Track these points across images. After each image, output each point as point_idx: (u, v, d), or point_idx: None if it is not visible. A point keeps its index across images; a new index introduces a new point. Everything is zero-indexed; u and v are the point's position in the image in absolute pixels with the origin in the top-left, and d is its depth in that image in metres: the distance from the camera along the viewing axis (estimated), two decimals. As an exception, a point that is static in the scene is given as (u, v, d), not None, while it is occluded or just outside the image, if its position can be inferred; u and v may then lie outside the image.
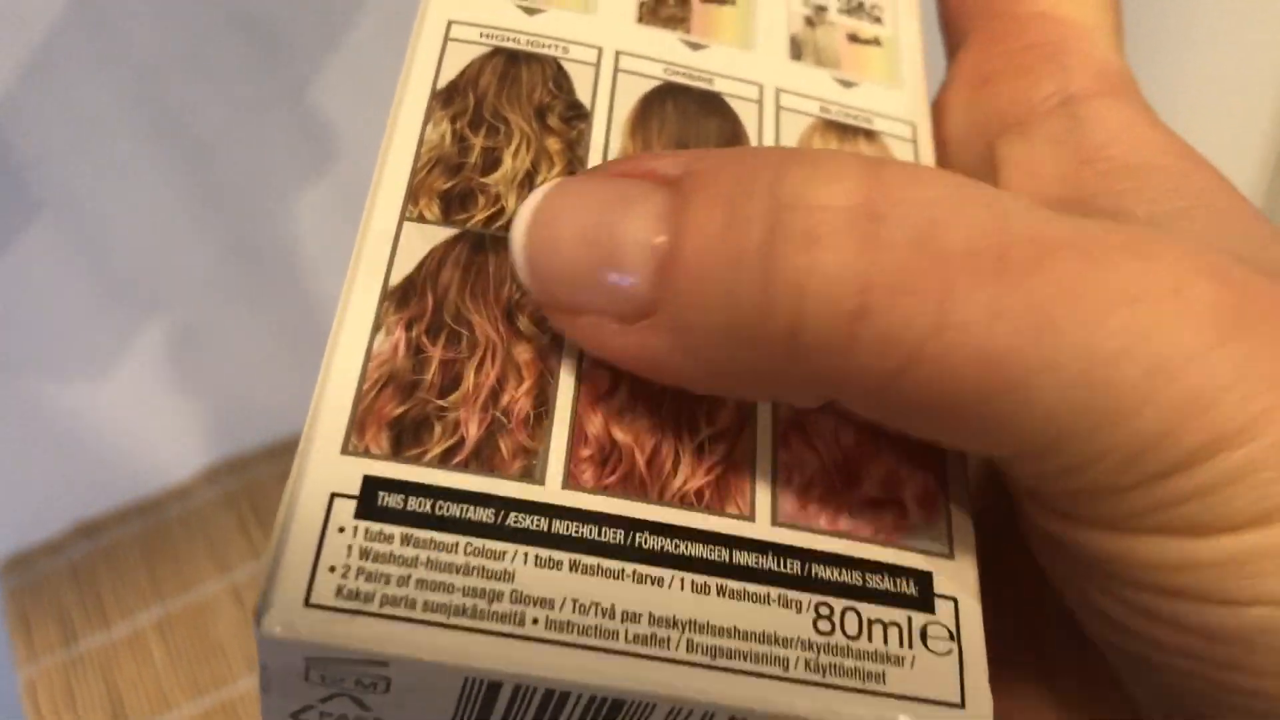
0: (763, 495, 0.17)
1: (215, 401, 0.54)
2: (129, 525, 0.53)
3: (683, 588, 0.16)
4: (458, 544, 0.16)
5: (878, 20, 0.23)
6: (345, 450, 0.16)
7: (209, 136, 0.42)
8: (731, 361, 0.16)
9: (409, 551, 0.16)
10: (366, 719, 0.17)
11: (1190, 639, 0.15)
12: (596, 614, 0.16)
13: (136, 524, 0.53)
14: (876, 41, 0.23)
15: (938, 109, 0.23)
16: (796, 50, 0.22)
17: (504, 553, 0.16)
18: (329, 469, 0.16)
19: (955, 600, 0.17)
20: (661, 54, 0.22)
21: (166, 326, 0.49)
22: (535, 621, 0.16)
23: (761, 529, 0.17)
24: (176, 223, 0.45)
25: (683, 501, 0.17)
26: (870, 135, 0.22)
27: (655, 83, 0.21)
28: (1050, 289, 0.15)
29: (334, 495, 0.16)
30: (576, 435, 0.17)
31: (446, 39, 0.21)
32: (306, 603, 0.15)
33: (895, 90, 0.23)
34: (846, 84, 0.22)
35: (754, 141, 0.21)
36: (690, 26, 0.22)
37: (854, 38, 0.23)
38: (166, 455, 0.54)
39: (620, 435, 0.17)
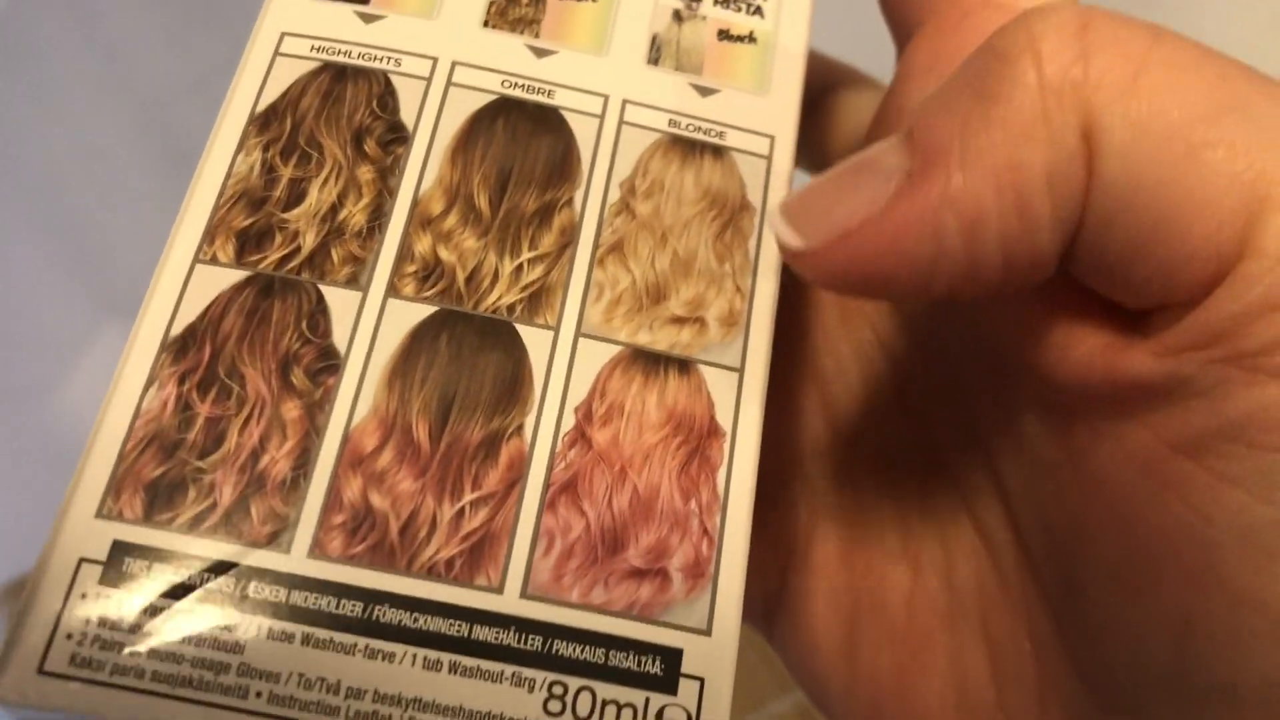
0: (517, 564, 0.17)
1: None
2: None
3: (414, 664, 0.16)
4: (194, 613, 0.16)
5: (757, 12, 0.22)
6: (100, 513, 0.17)
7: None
8: (993, 142, 0.16)
9: (146, 620, 0.16)
10: (140, 754, 0.18)
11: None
12: (321, 689, 0.16)
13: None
14: (750, 38, 0.22)
15: (893, 106, 0.21)
16: (655, 53, 0.21)
17: (238, 624, 0.16)
18: (81, 533, 0.17)
19: (702, 681, 0.17)
20: (502, 63, 0.21)
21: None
22: (259, 695, 0.16)
23: (508, 602, 0.17)
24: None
25: (431, 572, 0.17)
26: (718, 152, 0.20)
27: (489, 98, 0.20)
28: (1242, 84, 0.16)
29: (82, 561, 0.17)
30: (331, 501, 0.17)
31: (276, 54, 0.20)
32: (40, 670, 0.16)
33: (759, 97, 0.21)
34: (704, 91, 0.21)
35: (586, 164, 0.20)
36: (541, 29, 0.21)
37: (726, 34, 0.22)
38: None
39: (377, 501, 0.17)
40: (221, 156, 0.19)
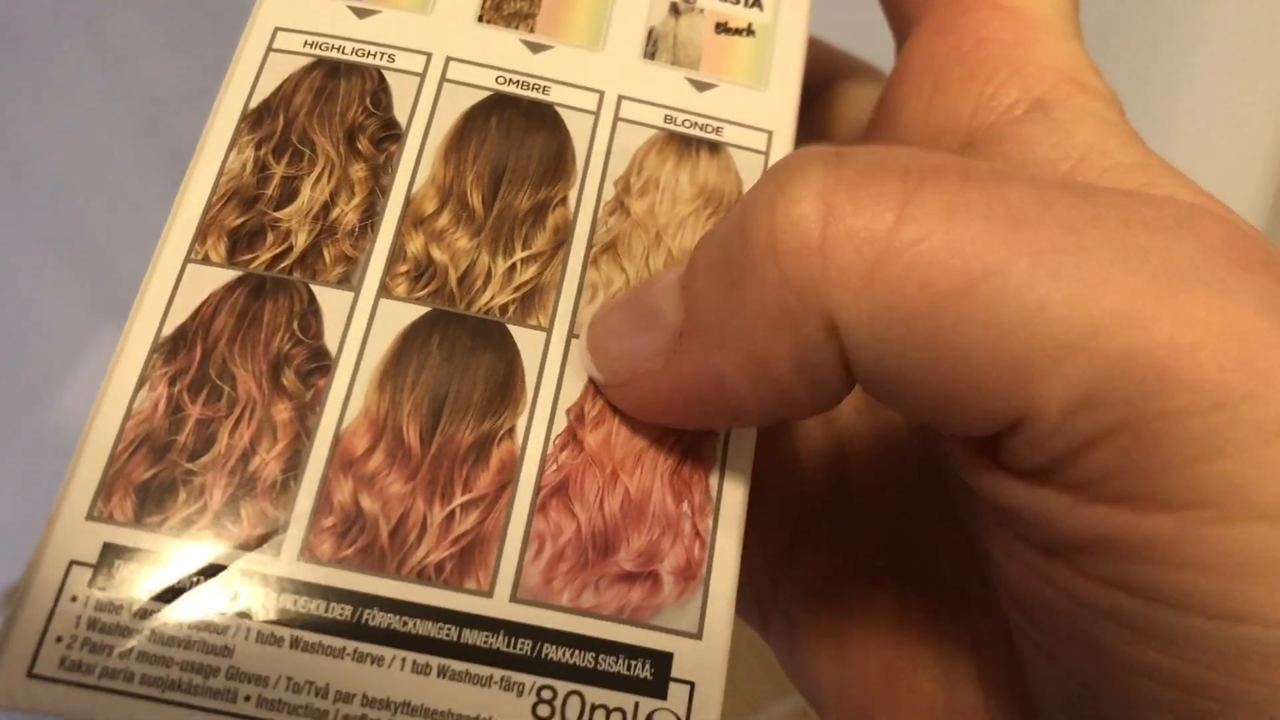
0: (507, 568, 0.17)
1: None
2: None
3: (403, 668, 0.16)
4: (183, 617, 0.16)
5: (755, 4, 0.22)
6: (90, 515, 0.17)
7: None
8: (744, 322, 0.16)
9: (136, 623, 0.16)
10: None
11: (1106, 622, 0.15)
12: (310, 693, 0.16)
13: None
14: (749, 31, 0.21)
15: (888, 107, 0.21)
16: (652, 47, 0.21)
17: (227, 628, 0.16)
18: (72, 535, 0.17)
19: (692, 685, 0.17)
20: (496, 59, 0.20)
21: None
22: (248, 699, 0.16)
23: (498, 606, 0.17)
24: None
25: (421, 575, 0.17)
26: (715, 148, 0.20)
27: (483, 94, 0.20)
28: (1018, 197, 0.15)
29: (72, 563, 0.17)
30: (321, 503, 0.17)
31: (269, 50, 0.20)
32: (29, 673, 0.16)
33: (757, 92, 0.21)
34: (701, 86, 0.21)
35: (581, 159, 0.20)
36: (536, 23, 0.21)
37: (723, 27, 0.21)
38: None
39: (368, 503, 0.17)
40: (214, 155, 0.19)
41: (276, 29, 0.20)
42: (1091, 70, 0.19)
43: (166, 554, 0.17)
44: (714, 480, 0.18)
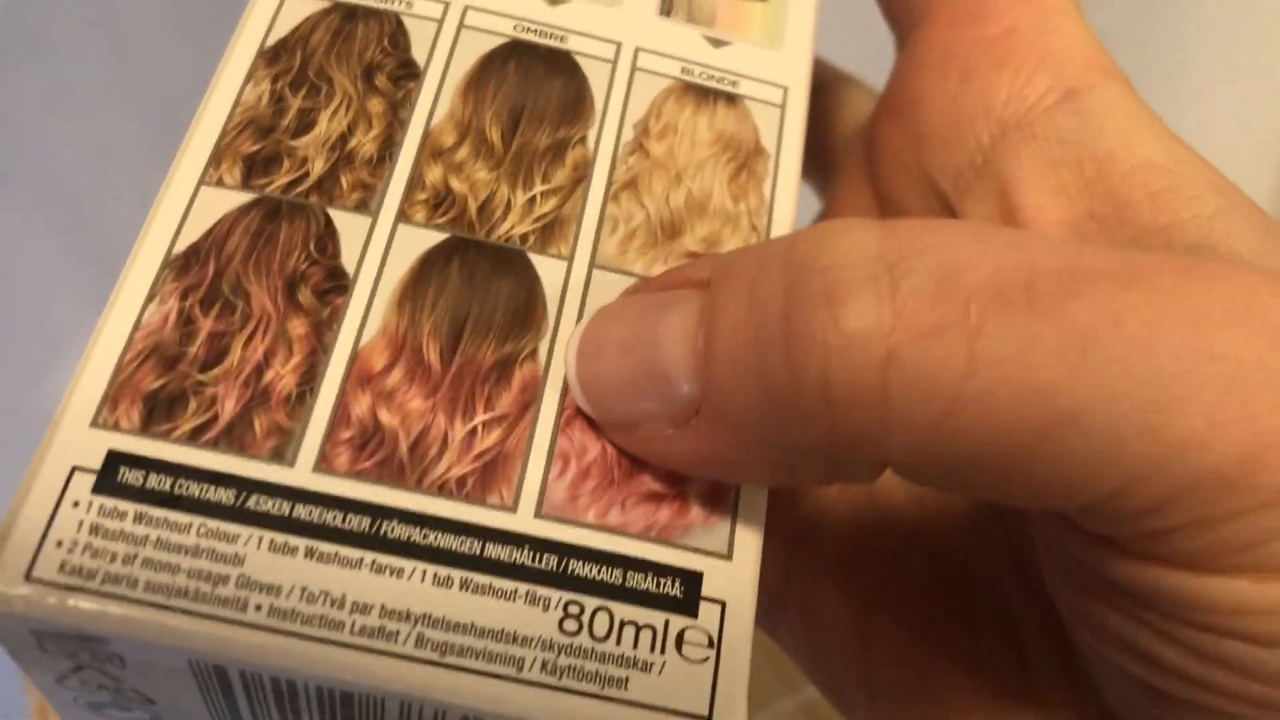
0: (531, 484, 0.17)
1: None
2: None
3: (423, 580, 0.16)
4: (191, 524, 0.16)
5: None
6: (95, 423, 0.16)
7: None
8: (780, 441, 0.15)
9: (140, 530, 0.15)
10: (125, 690, 0.17)
11: (1250, 684, 0.15)
12: (325, 603, 0.15)
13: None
14: None
15: (908, 97, 0.21)
16: (667, 5, 0.21)
17: (237, 535, 0.16)
18: (75, 442, 0.16)
19: (723, 604, 0.16)
20: (514, 9, 0.21)
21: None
22: (258, 608, 0.15)
23: (522, 521, 0.16)
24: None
25: (442, 490, 0.16)
26: (732, 99, 0.20)
27: (501, 40, 0.20)
28: (1087, 315, 0.13)
29: (75, 469, 0.16)
30: (339, 416, 0.17)
31: None
32: (28, 577, 0.15)
33: (771, 51, 0.21)
34: (717, 43, 0.21)
35: (599, 106, 0.20)
36: (553, -21, 0.21)
37: (737, -8, 0.22)
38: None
39: (386, 418, 0.17)
40: (229, 86, 0.19)
41: None
42: (1106, 54, 0.20)
43: (175, 462, 0.16)
44: None
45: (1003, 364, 0.13)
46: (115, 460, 0.16)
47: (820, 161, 0.26)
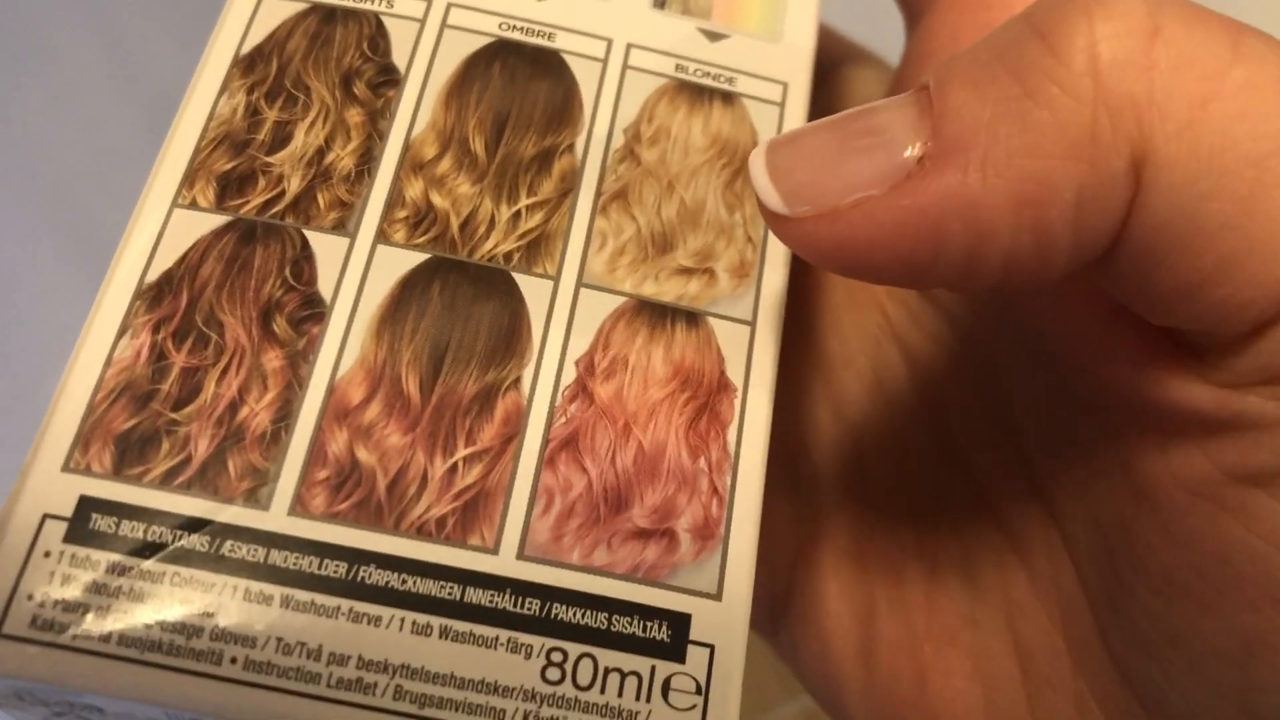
0: (514, 523, 0.16)
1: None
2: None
3: (402, 628, 0.15)
4: (165, 573, 0.15)
5: None
6: (67, 467, 0.16)
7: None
8: (1027, 148, 0.14)
9: (114, 580, 0.15)
10: (109, 729, 0.16)
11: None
12: (301, 655, 0.15)
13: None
14: None
15: (909, 83, 0.20)
16: None
17: (213, 585, 0.15)
18: (47, 487, 0.16)
19: (712, 648, 0.16)
20: (500, 5, 0.20)
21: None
22: (234, 661, 0.15)
23: (504, 563, 0.16)
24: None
25: (421, 531, 0.16)
26: (728, 98, 0.19)
27: (486, 40, 0.19)
28: None
29: (46, 517, 0.15)
30: (315, 455, 0.16)
31: None
32: None
33: (770, 44, 0.20)
34: (713, 36, 0.20)
35: (588, 109, 0.19)
36: (540, -29, 0.20)
37: (735, -22, 0.20)
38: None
39: (364, 455, 0.16)
40: (204, 99, 0.18)
41: None
42: None
43: (148, 507, 0.16)
44: (732, 436, 0.17)
45: (1266, 63, 0.13)
46: (87, 507, 0.15)
47: None
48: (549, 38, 0.19)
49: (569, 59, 0.19)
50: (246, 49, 0.19)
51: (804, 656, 0.21)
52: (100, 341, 0.16)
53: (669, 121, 0.19)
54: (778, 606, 0.22)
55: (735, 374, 0.17)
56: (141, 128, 0.42)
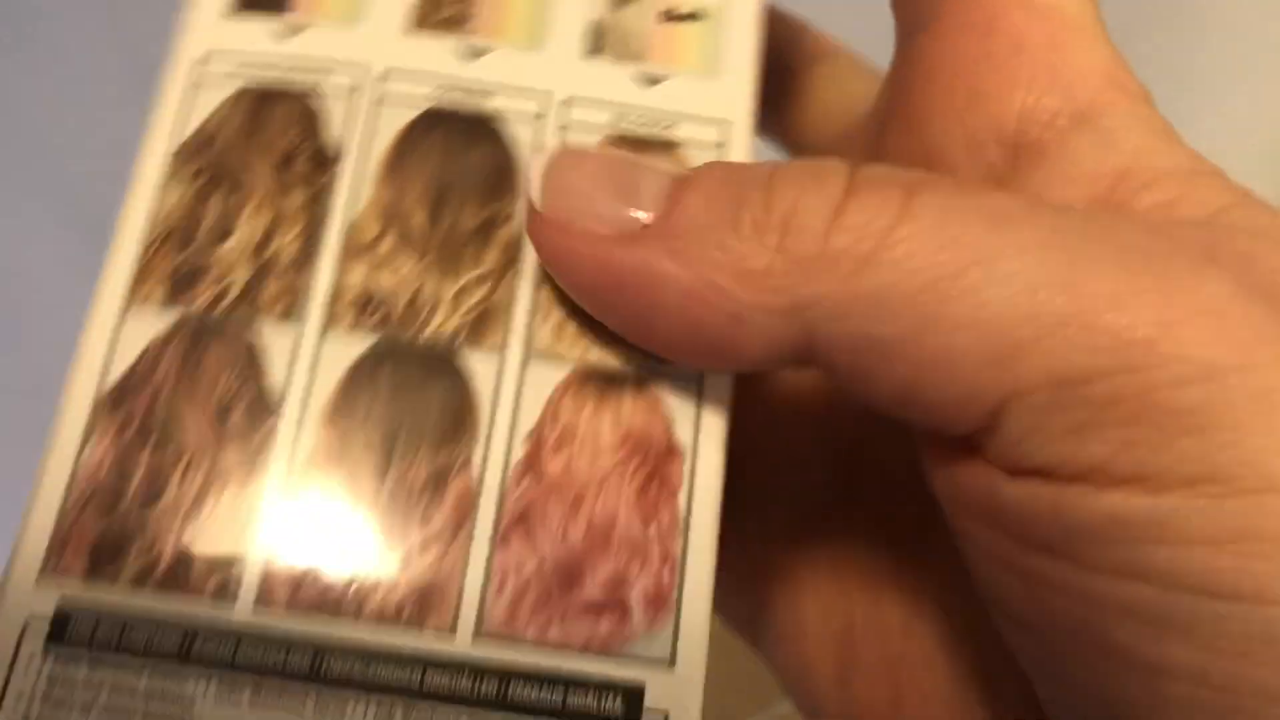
0: (469, 605, 0.17)
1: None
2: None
3: (365, 715, 0.16)
4: (142, 672, 0.16)
5: None
6: (44, 572, 0.17)
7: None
8: (719, 261, 0.16)
9: (96, 676, 0.16)
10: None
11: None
12: (273, 747, 0.16)
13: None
14: (697, 15, 0.20)
15: (913, 109, 0.20)
16: (596, 42, 0.20)
17: (185, 679, 0.16)
18: (27, 593, 0.17)
19: (666, 715, 0.16)
20: (434, 67, 0.20)
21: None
22: (211, 755, 0.16)
23: (461, 644, 0.17)
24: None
25: (381, 617, 0.17)
26: (669, 146, 0.19)
27: (422, 108, 0.19)
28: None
29: (28, 623, 0.16)
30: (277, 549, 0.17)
31: (197, 77, 0.19)
32: None
33: (710, 81, 0.20)
34: (651, 80, 0.20)
35: (523, 175, 0.19)
36: (475, 26, 0.20)
37: (670, 14, 0.20)
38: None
39: (319, 545, 0.17)
40: (145, 193, 0.19)
41: (205, 52, 0.20)
42: (1127, 70, 0.18)
43: (121, 609, 0.16)
44: (682, 500, 0.18)
45: (927, 217, 0.15)
46: (65, 611, 0.16)
47: (800, 145, 0.25)
48: (486, 97, 0.19)
49: (509, 120, 0.19)
50: (185, 136, 0.19)
51: (784, 675, 0.22)
52: (67, 448, 0.17)
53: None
54: (759, 624, 0.22)
55: (684, 435, 0.18)
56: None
